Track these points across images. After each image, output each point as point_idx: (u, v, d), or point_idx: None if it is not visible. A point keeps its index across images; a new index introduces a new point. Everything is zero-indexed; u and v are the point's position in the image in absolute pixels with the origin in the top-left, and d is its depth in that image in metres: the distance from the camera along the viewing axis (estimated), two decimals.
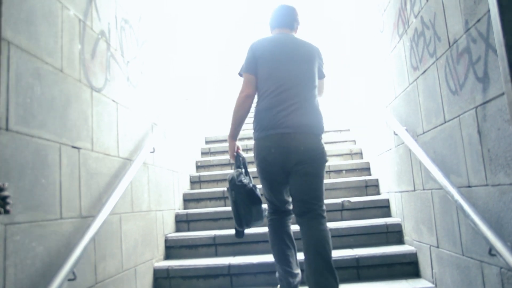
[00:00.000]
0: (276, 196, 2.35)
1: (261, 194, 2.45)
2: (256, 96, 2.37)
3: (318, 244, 2.09)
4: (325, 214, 2.22)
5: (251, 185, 2.37)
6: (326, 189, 3.67)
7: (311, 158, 2.19)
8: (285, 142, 2.18)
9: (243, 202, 2.31)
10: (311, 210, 2.18)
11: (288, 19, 2.46)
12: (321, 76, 2.44)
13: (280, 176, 2.26)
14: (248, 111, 2.37)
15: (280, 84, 2.25)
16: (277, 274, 2.40)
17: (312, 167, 2.20)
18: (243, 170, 2.44)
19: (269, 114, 2.23)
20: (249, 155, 3.57)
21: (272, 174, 2.27)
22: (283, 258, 2.32)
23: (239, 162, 2.47)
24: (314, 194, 2.20)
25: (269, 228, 2.42)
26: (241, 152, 2.53)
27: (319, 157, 2.22)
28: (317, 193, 2.21)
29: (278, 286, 2.43)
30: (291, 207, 2.38)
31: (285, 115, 2.20)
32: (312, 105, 2.28)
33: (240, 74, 2.41)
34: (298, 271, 2.36)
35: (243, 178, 2.36)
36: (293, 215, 2.34)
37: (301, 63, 2.31)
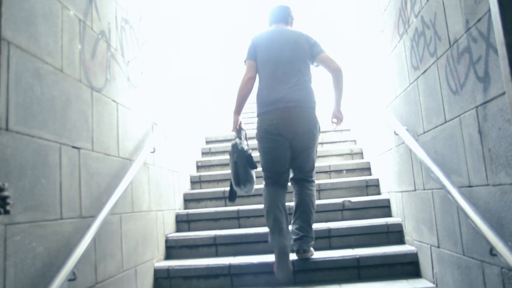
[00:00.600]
0: (276, 171, 2.69)
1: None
2: (257, 79, 2.78)
3: (306, 199, 2.70)
4: (314, 178, 2.81)
5: (249, 152, 2.75)
6: (326, 189, 3.71)
7: (307, 131, 2.63)
8: (285, 115, 2.58)
9: (242, 164, 2.70)
10: (304, 179, 2.76)
11: (282, 15, 2.92)
12: (318, 52, 2.77)
13: (281, 146, 2.63)
14: (250, 91, 2.78)
15: (275, 67, 2.69)
16: (269, 237, 2.65)
17: (307, 143, 2.65)
18: (244, 142, 2.83)
19: (269, 92, 2.66)
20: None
21: (275, 144, 2.63)
22: (277, 225, 2.58)
23: (240, 134, 2.85)
24: (308, 167, 2.74)
25: (265, 198, 2.70)
26: (243, 126, 2.91)
27: (313, 129, 2.66)
28: (310, 165, 2.75)
29: None
30: (287, 180, 2.76)
31: (283, 92, 2.61)
32: (304, 82, 2.68)
33: (245, 62, 2.83)
34: (290, 237, 2.64)
35: (244, 146, 2.75)
36: (288, 187, 2.77)
37: (292, 49, 2.72)
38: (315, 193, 2.78)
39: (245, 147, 2.75)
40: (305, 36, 2.79)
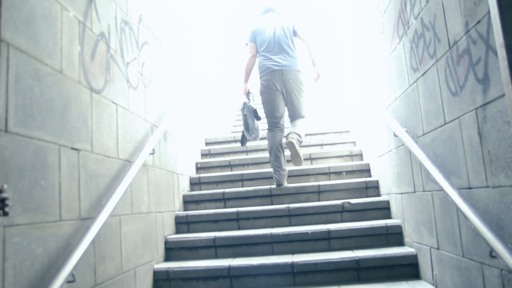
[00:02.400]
0: (274, 116, 3.87)
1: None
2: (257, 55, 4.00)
3: (298, 121, 3.85)
4: (305, 116, 3.91)
5: (255, 107, 3.90)
6: (326, 191, 3.72)
7: (295, 87, 3.81)
8: (278, 75, 3.79)
9: (250, 116, 3.88)
10: (297, 116, 3.88)
11: (271, 6, 4.11)
12: (297, 31, 3.92)
13: (276, 97, 3.82)
14: (253, 65, 4.02)
15: (270, 44, 3.87)
16: (272, 170, 3.85)
17: (296, 94, 3.82)
18: (252, 101, 4.03)
19: (267, 61, 3.85)
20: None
21: (272, 96, 3.82)
22: (277, 159, 3.80)
23: (249, 96, 4.03)
24: (298, 113, 3.87)
25: (268, 141, 3.88)
26: (250, 90, 4.08)
27: (299, 85, 3.84)
28: (300, 111, 3.86)
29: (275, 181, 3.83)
30: (283, 125, 3.92)
31: (276, 60, 3.81)
32: (291, 53, 3.86)
33: (246, 44, 4.03)
34: (286, 168, 3.84)
35: (251, 103, 3.96)
36: (284, 131, 3.92)
37: (280, 30, 3.89)
38: (306, 122, 3.91)
39: (252, 104, 3.94)
40: (288, 20, 3.96)
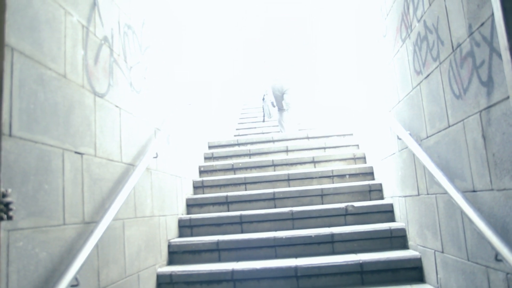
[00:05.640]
0: (278, 103, 6.34)
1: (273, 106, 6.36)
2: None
3: (291, 113, 6.42)
4: (294, 108, 6.41)
5: (272, 100, 6.24)
6: (329, 194, 3.73)
7: (291, 88, 6.34)
8: (280, 82, 6.34)
9: (267, 104, 6.20)
10: (289, 107, 6.34)
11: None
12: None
13: (280, 94, 6.33)
14: (268, 75, 6.46)
15: (277, 63, 6.33)
16: (279, 132, 6.24)
17: (291, 93, 6.32)
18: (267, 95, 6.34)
19: (275, 74, 6.36)
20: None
21: (276, 91, 6.33)
22: (282, 128, 6.24)
23: (266, 92, 6.29)
24: (291, 104, 6.30)
25: (277, 115, 6.41)
26: (267, 89, 6.38)
27: (296, 87, 6.42)
28: (292, 104, 6.31)
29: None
30: (286, 108, 6.30)
31: (280, 74, 6.31)
32: (290, 70, 6.34)
33: (265, 62, 6.24)
34: (286, 130, 6.19)
35: (267, 96, 6.27)
36: (285, 109, 6.34)
37: (284, 57, 6.39)
38: (296, 110, 6.58)
39: (267, 97, 6.24)
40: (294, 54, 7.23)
